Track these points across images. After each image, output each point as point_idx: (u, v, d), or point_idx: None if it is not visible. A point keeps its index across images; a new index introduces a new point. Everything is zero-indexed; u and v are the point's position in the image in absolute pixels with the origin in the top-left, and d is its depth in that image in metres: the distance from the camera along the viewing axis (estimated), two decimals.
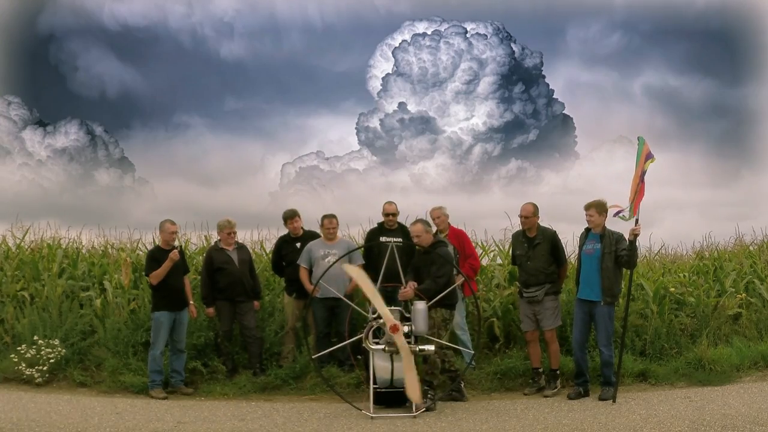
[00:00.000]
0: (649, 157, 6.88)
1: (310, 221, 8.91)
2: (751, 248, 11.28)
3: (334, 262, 7.53)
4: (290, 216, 8.20)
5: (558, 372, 7.38)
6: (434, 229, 7.59)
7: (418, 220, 7.19)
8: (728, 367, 7.81)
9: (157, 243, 8.34)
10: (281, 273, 8.46)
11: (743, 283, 9.53)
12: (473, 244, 8.58)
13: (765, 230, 11.56)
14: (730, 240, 11.77)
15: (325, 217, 8.12)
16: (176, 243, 7.95)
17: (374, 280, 7.25)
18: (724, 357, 7.89)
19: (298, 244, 8.13)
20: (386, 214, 8.02)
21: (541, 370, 7.43)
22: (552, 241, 7.35)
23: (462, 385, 7.17)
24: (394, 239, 7.63)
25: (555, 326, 7.36)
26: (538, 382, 7.40)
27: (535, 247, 7.28)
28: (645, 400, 6.97)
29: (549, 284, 7.28)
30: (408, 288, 6.79)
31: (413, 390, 6.44)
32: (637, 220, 6.85)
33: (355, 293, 8.08)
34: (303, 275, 7.93)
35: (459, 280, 7.45)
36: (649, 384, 7.61)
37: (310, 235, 8.26)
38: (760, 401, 6.73)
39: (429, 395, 6.82)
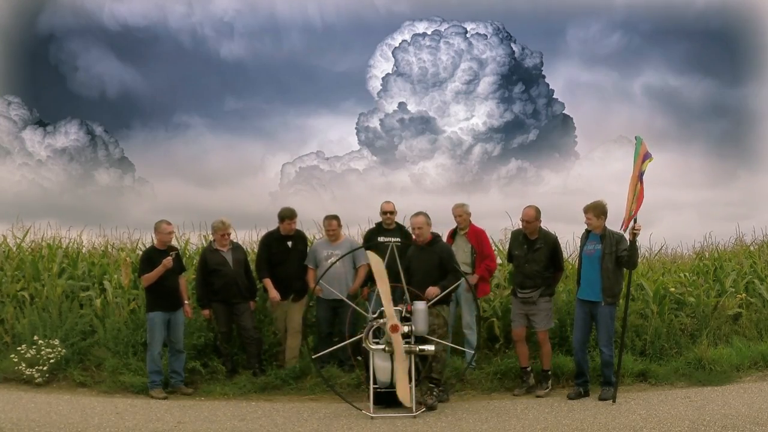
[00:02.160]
0: (647, 157, 6.82)
1: (309, 222, 8.92)
2: (751, 248, 11.28)
3: (335, 262, 7.54)
4: (290, 216, 7.94)
5: (549, 372, 7.34)
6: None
7: (420, 213, 7.13)
8: (728, 367, 7.80)
9: (153, 243, 8.16)
10: (267, 273, 7.94)
11: (743, 283, 9.52)
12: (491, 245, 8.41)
13: (765, 230, 11.57)
14: (730, 240, 11.78)
15: (326, 218, 8.08)
16: (174, 243, 7.88)
17: (374, 280, 7.27)
18: (724, 357, 7.89)
19: (290, 243, 7.96)
20: (384, 212, 7.99)
21: (530, 369, 7.39)
22: (553, 247, 7.32)
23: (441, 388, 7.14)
24: (393, 239, 7.61)
25: (548, 327, 7.33)
26: (527, 381, 7.35)
27: (536, 251, 7.23)
28: (645, 400, 6.97)
29: (544, 287, 7.25)
30: (430, 289, 6.81)
31: (403, 392, 6.46)
32: (635, 219, 6.84)
33: (357, 294, 8.08)
34: (310, 276, 7.94)
35: (473, 279, 7.49)
36: (649, 384, 7.61)
37: (299, 235, 8.15)
38: (760, 401, 6.73)
39: (434, 393, 6.87)
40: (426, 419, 6.41)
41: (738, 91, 23.50)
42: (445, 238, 7.91)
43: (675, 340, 8.26)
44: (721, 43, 22.81)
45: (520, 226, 7.47)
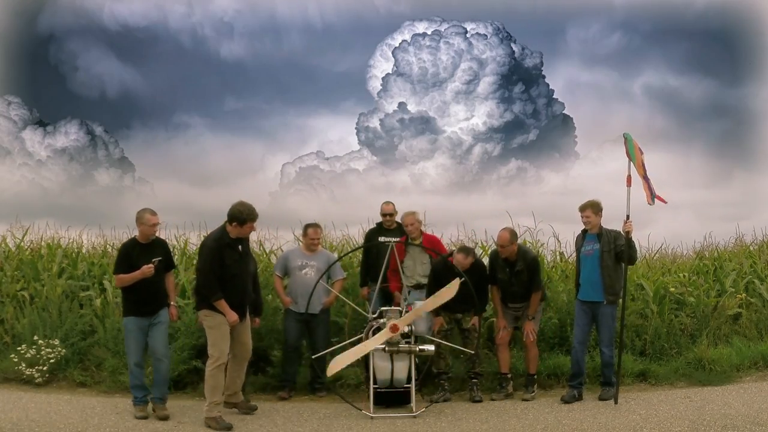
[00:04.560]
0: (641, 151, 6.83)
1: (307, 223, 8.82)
2: (751, 248, 11.28)
3: (318, 281, 7.14)
4: (252, 218, 6.32)
5: (535, 377, 7.27)
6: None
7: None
8: (728, 367, 7.81)
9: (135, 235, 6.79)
10: (220, 293, 6.17)
11: (743, 283, 9.52)
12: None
13: (765, 230, 11.57)
14: (730, 240, 11.78)
15: (309, 226, 7.48)
16: (160, 235, 7.00)
17: (374, 280, 7.27)
18: (724, 357, 7.89)
19: (240, 248, 6.36)
20: (384, 215, 7.96)
21: (509, 375, 7.29)
22: (531, 268, 7.08)
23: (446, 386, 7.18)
24: (394, 239, 7.59)
25: (535, 329, 7.25)
26: (506, 387, 7.23)
27: (517, 273, 7.05)
28: (645, 400, 6.97)
29: None
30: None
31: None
32: (628, 216, 6.80)
33: (340, 304, 8.03)
34: (278, 285, 7.43)
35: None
36: (649, 384, 7.61)
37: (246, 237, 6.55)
38: (760, 401, 6.73)
39: (446, 387, 6.98)
40: (426, 419, 6.41)
41: (738, 91, 23.53)
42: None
43: (675, 340, 8.25)
44: (721, 43, 22.82)
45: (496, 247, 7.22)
